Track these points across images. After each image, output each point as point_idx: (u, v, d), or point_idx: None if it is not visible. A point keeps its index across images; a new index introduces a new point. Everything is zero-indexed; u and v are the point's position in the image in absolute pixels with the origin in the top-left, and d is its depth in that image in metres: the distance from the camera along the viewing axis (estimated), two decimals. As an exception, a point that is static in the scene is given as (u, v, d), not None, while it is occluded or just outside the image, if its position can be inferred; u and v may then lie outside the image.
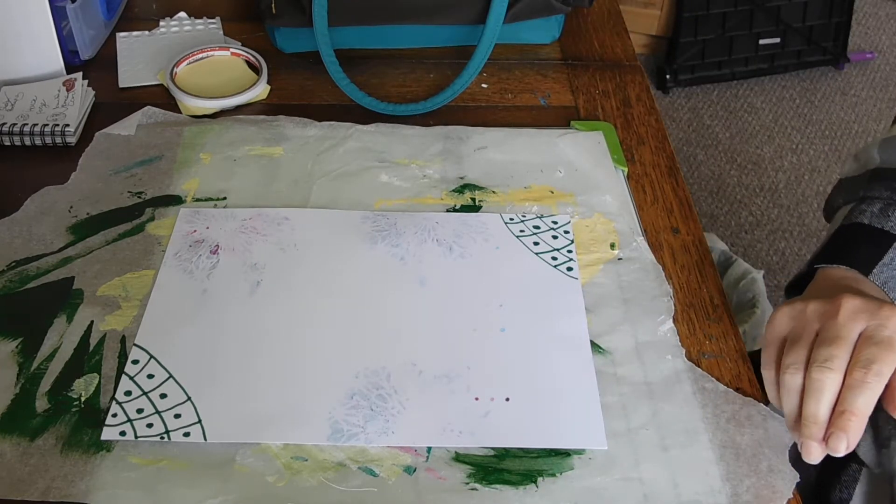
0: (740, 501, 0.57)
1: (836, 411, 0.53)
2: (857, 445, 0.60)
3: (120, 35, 0.96)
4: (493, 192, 0.78)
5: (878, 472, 0.66)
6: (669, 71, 2.25)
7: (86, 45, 0.91)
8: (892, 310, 0.55)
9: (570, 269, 0.71)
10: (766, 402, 0.62)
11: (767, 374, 0.59)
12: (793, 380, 0.55)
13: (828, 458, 0.55)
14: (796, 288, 0.69)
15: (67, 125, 0.81)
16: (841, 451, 0.52)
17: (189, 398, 0.61)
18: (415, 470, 0.58)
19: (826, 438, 0.53)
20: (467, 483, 0.57)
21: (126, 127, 0.83)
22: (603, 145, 0.83)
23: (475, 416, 0.61)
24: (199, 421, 0.59)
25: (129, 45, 0.95)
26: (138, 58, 0.93)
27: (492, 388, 0.62)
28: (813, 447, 0.53)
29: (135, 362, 0.63)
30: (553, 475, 0.58)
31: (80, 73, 0.87)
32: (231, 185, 0.78)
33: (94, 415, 0.60)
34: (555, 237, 0.74)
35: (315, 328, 0.66)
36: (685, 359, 0.65)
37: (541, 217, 0.76)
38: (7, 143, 0.81)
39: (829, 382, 0.53)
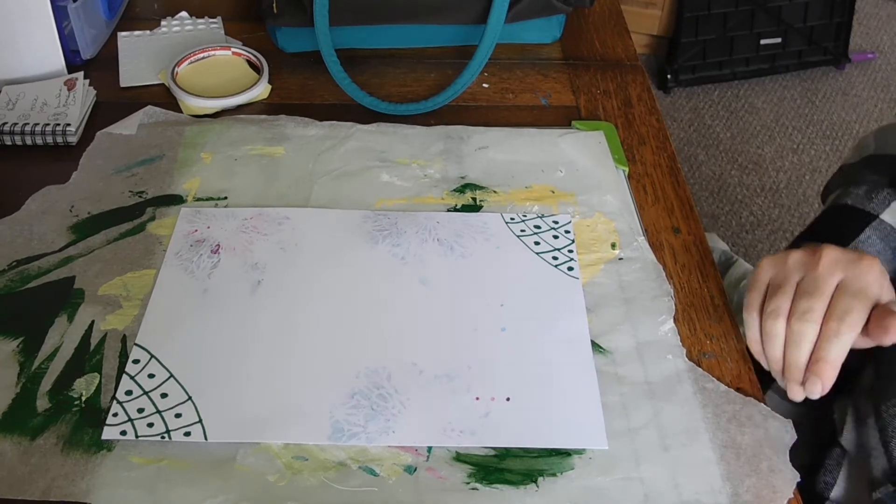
0: (741, 501, 0.57)
1: (812, 359, 0.56)
2: (840, 433, 0.67)
3: (121, 34, 0.96)
4: (494, 191, 0.78)
5: (855, 453, 0.69)
6: (670, 71, 2.25)
7: (87, 45, 0.91)
8: (871, 262, 0.58)
9: (570, 268, 0.71)
10: (766, 403, 0.63)
11: (748, 317, 0.61)
12: (774, 327, 0.58)
13: (814, 445, 0.61)
14: None
15: (68, 124, 0.81)
16: (816, 393, 0.56)
17: (190, 398, 0.61)
18: (415, 469, 0.58)
19: (803, 382, 0.57)
20: (468, 483, 0.57)
21: (127, 126, 0.83)
22: (604, 145, 0.83)
23: (476, 416, 0.61)
24: (200, 420, 0.59)
25: (131, 45, 0.95)
26: (139, 57, 0.93)
27: (492, 388, 0.62)
28: (796, 389, 0.57)
29: (135, 362, 0.63)
30: (553, 475, 0.58)
31: (82, 73, 0.87)
32: (232, 184, 0.78)
33: (94, 414, 0.60)
34: (556, 237, 0.74)
35: (315, 327, 0.66)
36: (686, 359, 0.65)
37: (542, 217, 0.76)
38: (8, 143, 0.81)
39: (808, 333, 0.56)
